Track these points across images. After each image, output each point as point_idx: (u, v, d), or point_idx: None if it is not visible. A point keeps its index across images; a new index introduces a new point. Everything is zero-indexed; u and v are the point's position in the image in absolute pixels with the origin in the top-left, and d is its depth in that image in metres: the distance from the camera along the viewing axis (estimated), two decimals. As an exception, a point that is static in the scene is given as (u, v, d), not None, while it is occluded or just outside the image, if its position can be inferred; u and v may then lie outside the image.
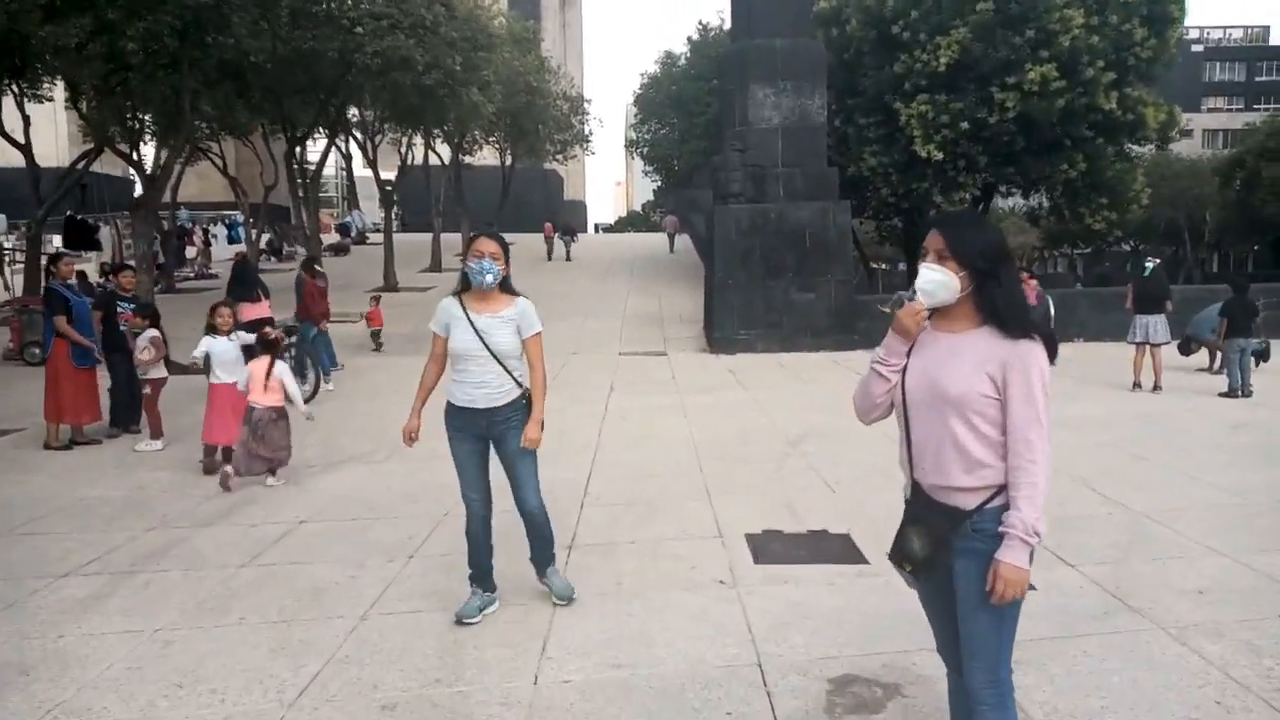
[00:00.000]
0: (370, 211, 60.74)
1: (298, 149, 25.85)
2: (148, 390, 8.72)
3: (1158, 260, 12.14)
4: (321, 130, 21.27)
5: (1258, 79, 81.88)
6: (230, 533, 5.98)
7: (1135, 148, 22.79)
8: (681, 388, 12.47)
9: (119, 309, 9.18)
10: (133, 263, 13.27)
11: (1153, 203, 24.24)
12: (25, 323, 15.04)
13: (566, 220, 39.26)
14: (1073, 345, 16.67)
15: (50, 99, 22.64)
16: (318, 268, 13.71)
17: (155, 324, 8.91)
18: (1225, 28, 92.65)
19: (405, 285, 25.64)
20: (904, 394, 2.53)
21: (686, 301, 22.40)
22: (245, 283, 11.66)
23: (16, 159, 20.84)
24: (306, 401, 10.84)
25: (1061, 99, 18.54)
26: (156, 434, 8.65)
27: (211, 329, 7.86)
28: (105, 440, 9.00)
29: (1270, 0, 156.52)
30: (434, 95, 19.30)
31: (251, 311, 11.35)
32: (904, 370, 2.53)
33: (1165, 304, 11.66)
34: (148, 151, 34.64)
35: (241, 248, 31.52)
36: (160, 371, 8.81)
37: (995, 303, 2.40)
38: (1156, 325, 11.56)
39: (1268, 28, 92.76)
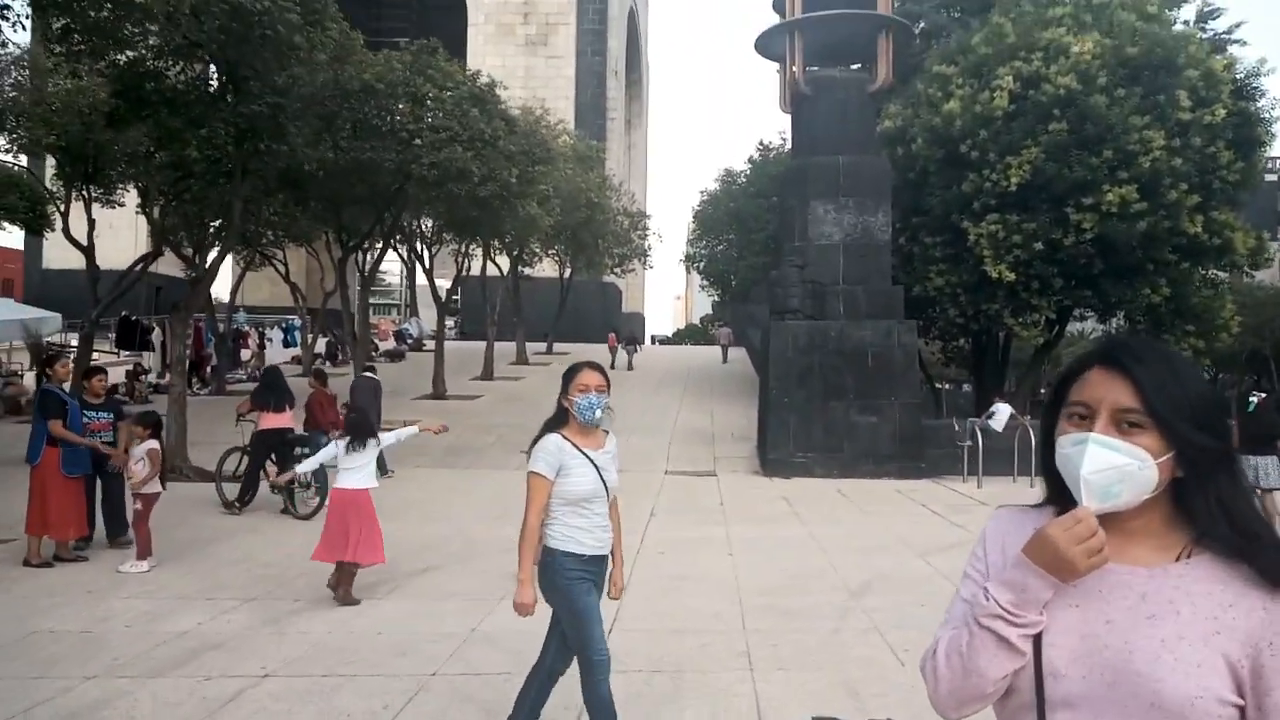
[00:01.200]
0: (430, 320, 61.58)
1: (356, 256, 26.03)
2: (138, 506, 7.99)
3: (1264, 394, 10.87)
4: (378, 238, 21.14)
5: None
6: (177, 689, 5.06)
7: (1220, 274, 21.53)
8: (729, 516, 11.38)
9: (86, 418, 8.41)
10: (71, 350, 12.91)
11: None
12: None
13: (631, 331, 39.81)
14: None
15: (123, 204, 23.21)
16: (329, 374, 13.33)
17: (156, 435, 8.25)
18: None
19: (454, 393, 25.15)
20: (1040, 679, 1.36)
21: (740, 418, 21.39)
22: (273, 390, 11.23)
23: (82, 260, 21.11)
24: (312, 516, 10.33)
25: (1143, 221, 17.53)
26: (144, 554, 7.88)
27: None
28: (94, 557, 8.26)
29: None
30: (489, 206, 19.09)
31: (272, 420, 11.02)
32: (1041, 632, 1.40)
33: (1276, 443, 10.34)
34: (213, 257, 35.54)
35: (296, 351, 31.67)
36: (154, 487, 8.10)
37: (1218, 509, 1.35)
38: (1268, 468, 10.24)
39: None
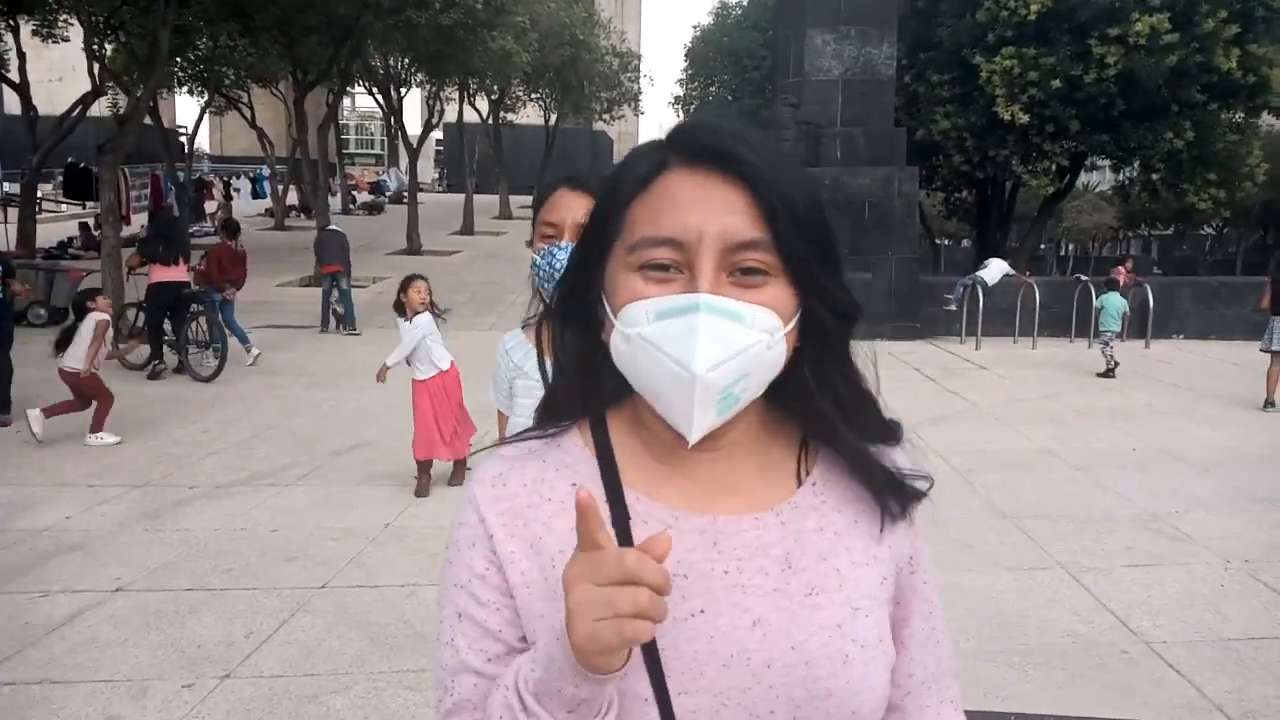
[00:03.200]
0: (420, 171, 59.25)
1: (327, 97, 24.20)
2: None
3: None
4: (337, 76, 19.37)
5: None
6: (6, 605, 4.18)
7: (1250, 118, 19.92)
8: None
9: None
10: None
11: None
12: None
13: None
14: (1172, 344, 14.26)
15: (66, 39, 21.29)
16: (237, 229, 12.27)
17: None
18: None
19: (430, 248, 23.90)
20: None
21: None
22: (164, 240, 10.05)
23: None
24: (212, 379, 9.40)
25: (1172, 55, 15.88)
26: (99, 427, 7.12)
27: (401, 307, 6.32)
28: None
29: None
30: (455, 38, 17.33)
31: (164, 274, 9.86)
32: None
33: (1312, 304, 9.27)
34: (185, 103, 33.21)
35: (268, 203, 30.16)
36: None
37: (833, 394, 0.85)
38: (1297, 330, 9.21)
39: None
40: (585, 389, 0.87)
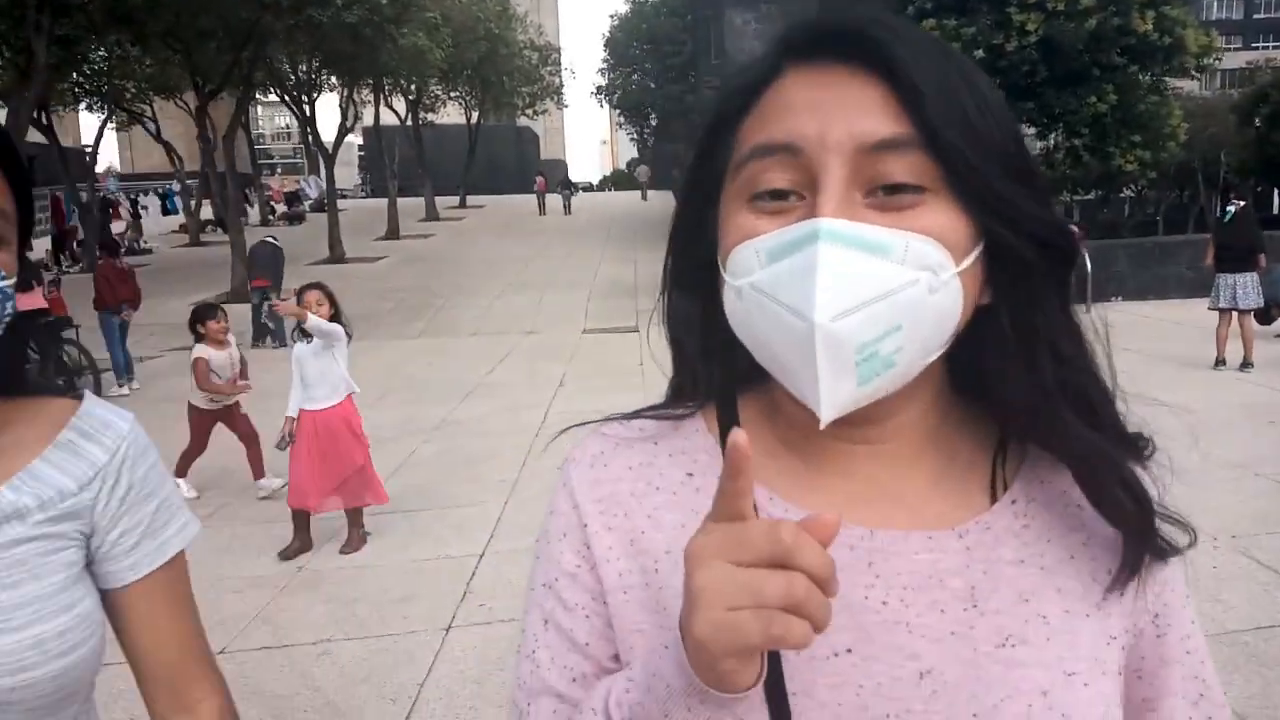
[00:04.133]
0: (344, 178, 57.74)
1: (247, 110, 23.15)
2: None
3: (1242, 202, 9.56)
4: (239, 83, 18.43)
5: (1256, 15, 78.53)
6: None
7: (1169, 80, 20.14)
8: (649, 380, 10.00)
9: None
10: None
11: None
12: None
13: (565, 175, 38.15)
14: (1111, 306, 14.23)
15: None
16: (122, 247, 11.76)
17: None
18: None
19: (355, 255, 23.04)
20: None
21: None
22: None
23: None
24: None
25: (1091, 19, 15.90)
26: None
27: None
28: None
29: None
30: (361, 36, 16.58)
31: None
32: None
33: (1257, 258, 9.15)
34: (88, 121, 31.52)
35: (181, 218, 28.92)
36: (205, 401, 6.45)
37: (1054, 373, 0.60)
38: (1246, 286, 9.08)
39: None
40: (706, 367, 0.69)
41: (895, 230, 0.55)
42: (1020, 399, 0.61)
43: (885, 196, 0.56)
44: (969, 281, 0.58)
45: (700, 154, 0.65)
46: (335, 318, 5.07)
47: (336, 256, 22.49)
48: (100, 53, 18.99)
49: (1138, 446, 0.66)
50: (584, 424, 0.73)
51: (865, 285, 0.54)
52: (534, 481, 6.08)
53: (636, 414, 0.73)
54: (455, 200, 35.09)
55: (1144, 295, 14.76)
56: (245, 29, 16.27)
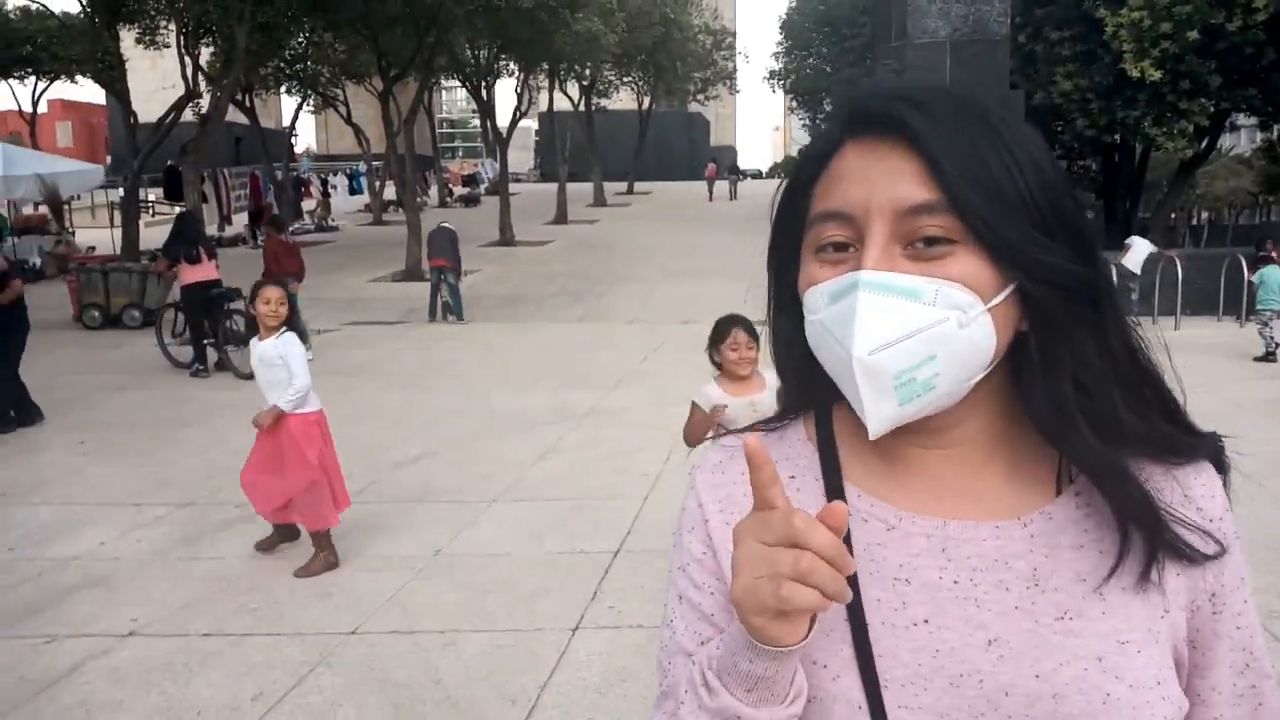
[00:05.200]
0: (518, 162, 59.49)
1: (427, 95, 24.13)
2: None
3: None
4: (421, 67, 19.09)
5: None
6: (7, 653, 3.74)
7: None
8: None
9: None
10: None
11: None
12: (84, 283, 13.69)
13: (733, 161, 38.13)
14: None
15: (168, 45, 21.75)
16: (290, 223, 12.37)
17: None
18: None
19: (523, 239, 23.57)
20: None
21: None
22: (181, 240, 9.93)
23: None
24: (251, 374, 8.80)
25: (1334, -7, 14.10)
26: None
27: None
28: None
29: None
30: (537, 21, 16.80)
31: (193, 274, 9.76)
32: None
33: None
34: (288, 104, 33.75)
35: (366, 198, 30.47)
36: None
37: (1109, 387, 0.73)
38: None
39: None
40: (802, 381, 0.82)
41: (926, 277, 0.68)
42: (1036, 413, 0.72)
43: (920, 249, 0.68)
44: (1001, 315, 0.69)
45: (781, 211, 0.79)
46: (292, 322, 4.65)
47: (506, 239, 23.07)
48: (298, 39, 20.10)
49: (1190, 446, 0.77)
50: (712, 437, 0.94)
51: (898, 324, 0.67)
52: (675, 479, 5.87)
53: (748, 428, 0.86)
54: (624, 186, 35.35)
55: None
56: (429, 15, 16.81)
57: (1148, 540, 0.72)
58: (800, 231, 0.76)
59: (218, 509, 5.53)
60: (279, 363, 4.52)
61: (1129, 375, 0.74)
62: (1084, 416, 0.71)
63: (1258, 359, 9.77)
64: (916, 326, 0.67)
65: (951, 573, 0.74)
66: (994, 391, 0.74)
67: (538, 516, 5.31)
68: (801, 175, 0.77)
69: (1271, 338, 9.89)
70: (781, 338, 0.82)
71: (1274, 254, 11.53)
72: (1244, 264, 11.74)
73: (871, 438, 0.70)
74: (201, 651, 3.76)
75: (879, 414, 0.68)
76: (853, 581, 0.72)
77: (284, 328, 4.59)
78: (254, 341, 4.67)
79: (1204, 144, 18.70)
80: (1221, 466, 0.80)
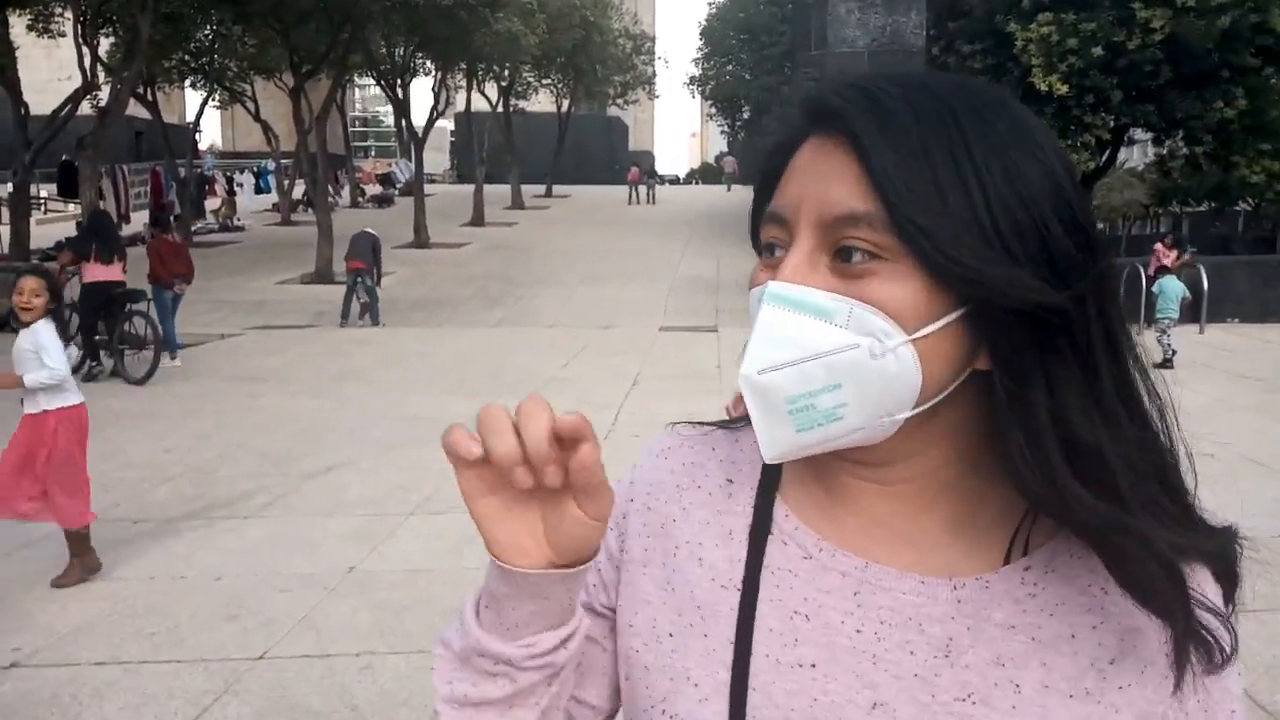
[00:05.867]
0: (434, 163, 58.53)
1: (339, 93, 23.45)
2: None
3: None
4: (335, 64, 18.56)
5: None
6: None
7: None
8: (727, 384, 9.59)
9: None
10: None
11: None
12: (-12, 284, 12.86)
13: (651, 165, 38.33)
14: (1229, 328, 13.26)
15: (64, 33, 20.67)
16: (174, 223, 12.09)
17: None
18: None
19: (439, 241, 23.12)
20: None
21: (748, 263, 19.33)
22: (97, 237, 9.62)
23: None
24: (144, 380, 8.88)
25: (1225, 16, 14.80)
26: None
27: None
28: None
29: None
30: (456, 19, 16.51)
31: (98, 273, 9.45)
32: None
33: None
34: (193, 98, 32.43)
35: (274, 197, 29.53)
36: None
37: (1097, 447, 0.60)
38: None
39: None
40: None
41: (839, 296, 0.59)
42: (1015, 466, 0.61)
43: (843, 264, 0.60)
44: (933, 348, 0.59)
45: (755, 206, 0.71)
46: (55, 311, 4.50)
47: (421, 241, 22.61)
48: (204, 31, 19.33)
49: (1200, 542, 0.62)
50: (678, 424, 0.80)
51: (796, 345, 0.60)
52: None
53: (710, 423, 0.80)
54: (542, 189, 35.09)
55: (1265, 317, 13.71)
56: (343, 10, 16.35)
57: (1178, 629, 0.60)
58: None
59: (115, 526, 5.17)
60: (31, 355, 4.33)
61: (1128, 438, 0.61)
62: (1073, 472, 0.60)
63: (1157, 365, 10.15)
64: (818, 350, 0.59)
65: (856, 620, 0.66)
66: (952, 432, 0.65)
67: (457, 529, 5.12)
68: (769, 167, 0.70)
69: (1169, 345, 10.28)
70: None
71: (1166, 260, 12.05)
72: (1142, 273, 12.21)
73: (765, 461, 0.63)
74: (94, 682, 3.47)
75: (772, 438, 0.62)
76: (748, 606, 0.68)
77: (48, 318, 4.42)
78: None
79: (1104, 157, 19.44)
80: (1229, 575, 0.65)
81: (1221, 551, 0.64)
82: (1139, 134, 20.31)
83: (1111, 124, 17.29)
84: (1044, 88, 15.75)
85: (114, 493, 5.75)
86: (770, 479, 0.73)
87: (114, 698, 3.37)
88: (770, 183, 0.68)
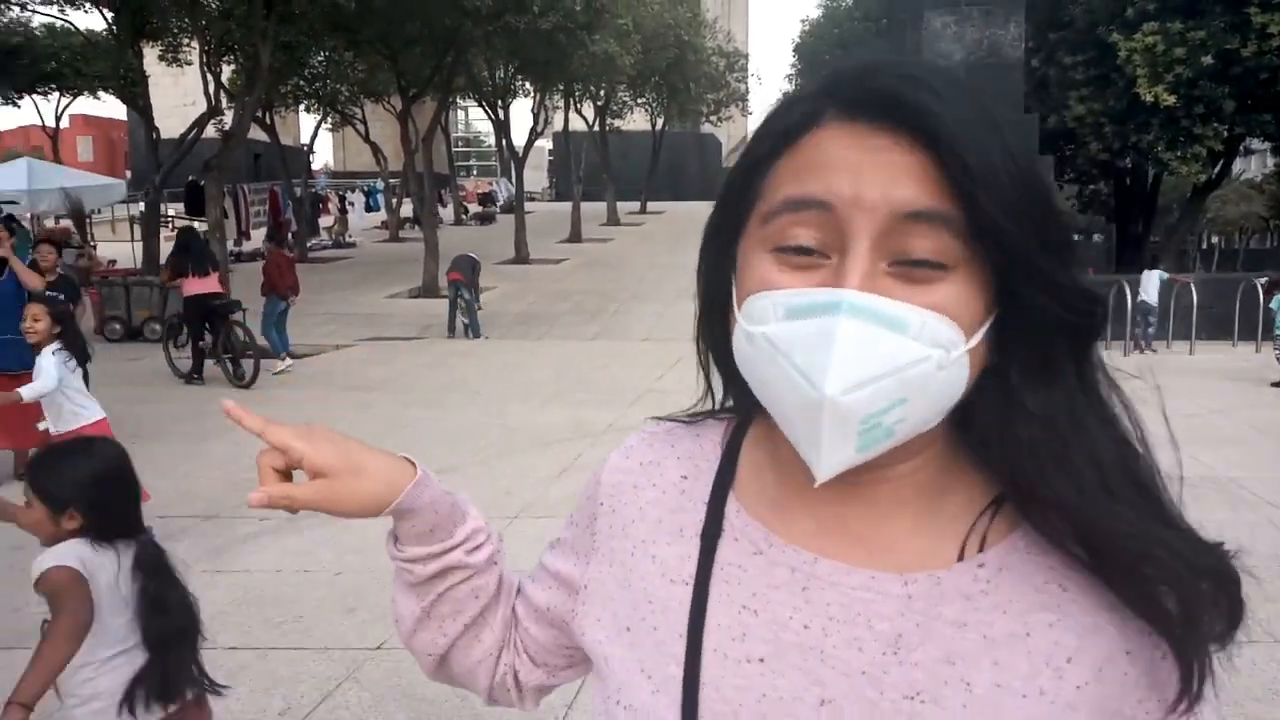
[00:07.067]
0: (533, 181, 59.81)
1: (444, 115, 24.33)
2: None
3: None
4: (439, 87, 19.32)
5: None
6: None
7: None
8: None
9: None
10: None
11: None
12: (105, 296, 13.86)
13: None
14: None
15: (190, 62, 22.05)
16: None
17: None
18: None
19: (538, 257, 23.69)
20: None
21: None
22: (188, 253, 10.19)
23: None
24: (249, 385, 9.60)
25: (1350, 20, 14.18)
26: None
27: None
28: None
29: None
30: (555, 42, 17.00)
31: (196, 286, 9.99)
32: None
33: None
34: (307, 121, 34.01)
35: (383, 215, 30.72)
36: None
37: (1073, 440, 0.61)
38: None
39: None
40: (727, 385, 0.77)
41: (914, 307, 0.57)
42: (1011, 462, 0.61)
43: (909, 268, 0.57)
44: (975, 357, 0.59)
45: (729, 191, 0.66)
46: (62, 334, 4.80)
47: (521, 257, 23.20)
48: (318, 57, 20.37)
49: (1198, 559, 0.61)
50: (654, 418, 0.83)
51: (879, 360, 0.56)
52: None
53: (674, 416, 0.82)
54: (636, 206, 35.53)
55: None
56: (447, 35, 17.00)
57: (1181, 638, 0.59)
58: (745, 213, 0.64)
59: (242, 522, 5.61)
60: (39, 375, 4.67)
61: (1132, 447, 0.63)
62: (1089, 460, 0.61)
63: (1275, 384, 9.75)
64: (895, 365, 0.56)
65: (804, 615, 0.65)
66: (934, 437, 0.63)
67: (550, 530, 5.36)
68: (760, 151, 0.64)
69: (1289, 363, 9.89)
70: (705, 331, 0.75)
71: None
72: (1259, 289, 11.75)
73: (816, 485, 0.60)
74: (228, 665, 3.81)
75: (833, 461, 0.59)
76: (699, 602, 0.68)
77: (57, 343, 4.73)
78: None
79: (1217, 168, 18.72)
80: (1228, 594, 0.62)
81: (1219, 567, 0.62)
82: (1256, 144, 19.42)
83: (1225, 134, 16.61)
84: (1150, 99, 15.30)
85: (241, 491, 6.18)
86: (725, 475, 0.73)
87: (246, 680, 3.68)
88: (763, 169, 0.63)
